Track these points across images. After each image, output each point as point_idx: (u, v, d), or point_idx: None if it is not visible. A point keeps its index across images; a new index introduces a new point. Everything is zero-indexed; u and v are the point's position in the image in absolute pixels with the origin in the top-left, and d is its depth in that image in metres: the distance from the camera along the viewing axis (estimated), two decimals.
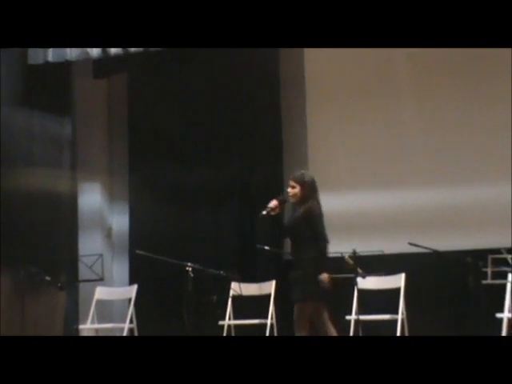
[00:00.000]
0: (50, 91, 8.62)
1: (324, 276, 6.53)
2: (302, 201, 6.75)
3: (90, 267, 7.86)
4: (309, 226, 6.70)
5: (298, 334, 6.61)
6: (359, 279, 7.02)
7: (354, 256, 6.84)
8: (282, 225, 6.93)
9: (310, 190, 6.78)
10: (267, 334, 8.07)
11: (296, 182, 6.77)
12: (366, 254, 6.88)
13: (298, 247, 6.74)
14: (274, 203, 6.73)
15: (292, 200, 6.78)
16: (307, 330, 6.59)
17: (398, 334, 7.68)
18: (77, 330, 8.41)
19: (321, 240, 6.67)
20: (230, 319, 8.32)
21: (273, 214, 6.71)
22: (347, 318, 7.70)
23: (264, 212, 6.71)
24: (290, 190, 6.78)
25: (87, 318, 8.61)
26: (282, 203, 6.77)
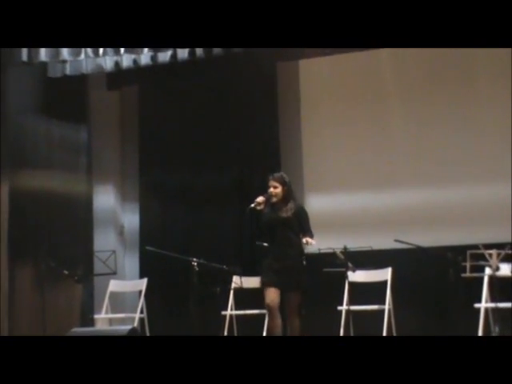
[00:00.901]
0: (68, 101, 8.60)
1: (308, 239, 6.68)
2: (283, 200, 6.86)
3: (104, 262, 7.91)
4: (299, 223, 6.86)
5: (295, 321, 6.75)
6: (350, 273, 7.06)
7: (345, 251, 6.93)
8: (262, 221, 6.94)
9: (290, 190, 6.92)
10: (266, 324, 8.13)
11: (278, 182, 6.87)
12: (355, 249, 6.99)
13: (287, 241, 6.83)
14: (261, 198, 6.82)
15: (274, 199, 6.85)
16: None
17: (385, 322, 7.69)
18: (92, 319, 8.41)
19: (309, 235, 6.85)
20: (231, 309, 8.35)
21: (258, 208, 6.80)
22: (339, 308, 7.74)
23: (252, 205, 6.78)
24: (272, 190, 6.84)
25: (101, 309, 8.65)
26: (267, 200, 6.87)
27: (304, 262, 6.92)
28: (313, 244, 6.73)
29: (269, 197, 6.89)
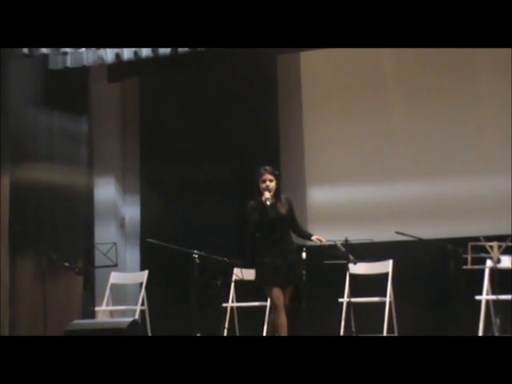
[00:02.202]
0: (69, 94, 8.53)
1: (320, 238, 6.68)
2: (276, 193, 6.76)
3: (105, 254, 7.88)
4: (292, 216, 6.81)
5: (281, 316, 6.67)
6: (351, 265, 7.06)
7: (346, 244, 6.91)
8: (263, 218, 6.75)
9: (280, 184, 6.84)
10: (266, 316, 8.07)
11: (273, 175, 6.74)
12: (356, 241, 6.97)
13: (287, 236, 6.76)
14: (268, 194, 6.65)
15: (271, 193, 6.71)
16: None
17: (386, 314, 7.68)
18: (93, 311, 8.38)
19: (300, 227, 6.82)
20: (232, 302, 8.33)
21: (268, 203, 6.67)
22: (340, 300, 7.73)
23: (268, 203, 6.62)
24: (268, 183, 6.69)
25: (103, 301, 8.61)
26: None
27: (304, 256, 6.84)
28: (323, 242, 6.70)
29: (269, 191, 6.74)
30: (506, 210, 7.78)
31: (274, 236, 6.75)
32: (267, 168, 6.81)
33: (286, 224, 6.79)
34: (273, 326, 6.83)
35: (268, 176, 6.75)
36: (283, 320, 6.65)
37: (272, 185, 6.74)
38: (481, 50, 7.77)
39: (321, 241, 6.71)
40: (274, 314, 6.78)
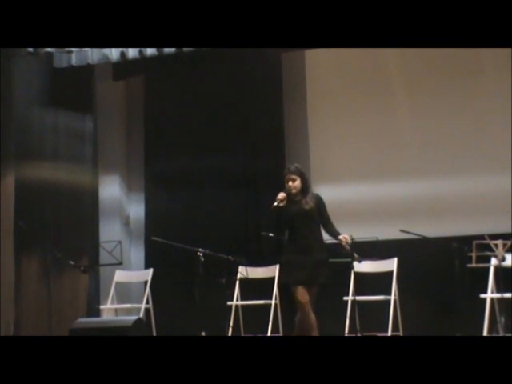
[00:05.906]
0: (74, 92, 8.57)
1: (346, 237, 6.61)
2: (302, 191, 6.70)
3: (110, 252, 7.87)
4: (319, 213, 6.74)
5: (312, 314, 6.60)
6: (355, 263, 6.96)
7: (351, 242, 6.87)
8: (283, 216, 6.70)
9: (307, 181, 6.78)
10: (271, 314, 8.11)
11: (296, 174, 6.68)
12: (361, 240, 6.87)
13: (311, 234, 6.67)
14: (282, 195, 6.59)
15: (294, 191, 6.67)
16: None
17: (391, 313, 7.69)
18: (98, 309, 8.45)
19: (333, 226, 6.75)
20: (237, 300, 8.38)
21: (281, 205, 6.58)
22: (344, 298, 7.73)
23: (275, 204, 6.55)
24: (291, 183, 6.65)
25: (107, 299, 8.65)
26: (288, 196, 6.66)
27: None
28: (348, 242, 6.61)
29: (289, 191, 6.71)
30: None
31: (298, 234, 6.71)
32: (290, 168, 6.79)
33: (309, 221, 6.70)
34: (301, 325, 6.63)
35: (290, 176, 6.72)
36: (312, 319, 6.57)
37: (295, 184, 6.69)
38: (484, 49, 7.79)
39: (346, 241, 6.60)
40: (301, 314, 6.63)
